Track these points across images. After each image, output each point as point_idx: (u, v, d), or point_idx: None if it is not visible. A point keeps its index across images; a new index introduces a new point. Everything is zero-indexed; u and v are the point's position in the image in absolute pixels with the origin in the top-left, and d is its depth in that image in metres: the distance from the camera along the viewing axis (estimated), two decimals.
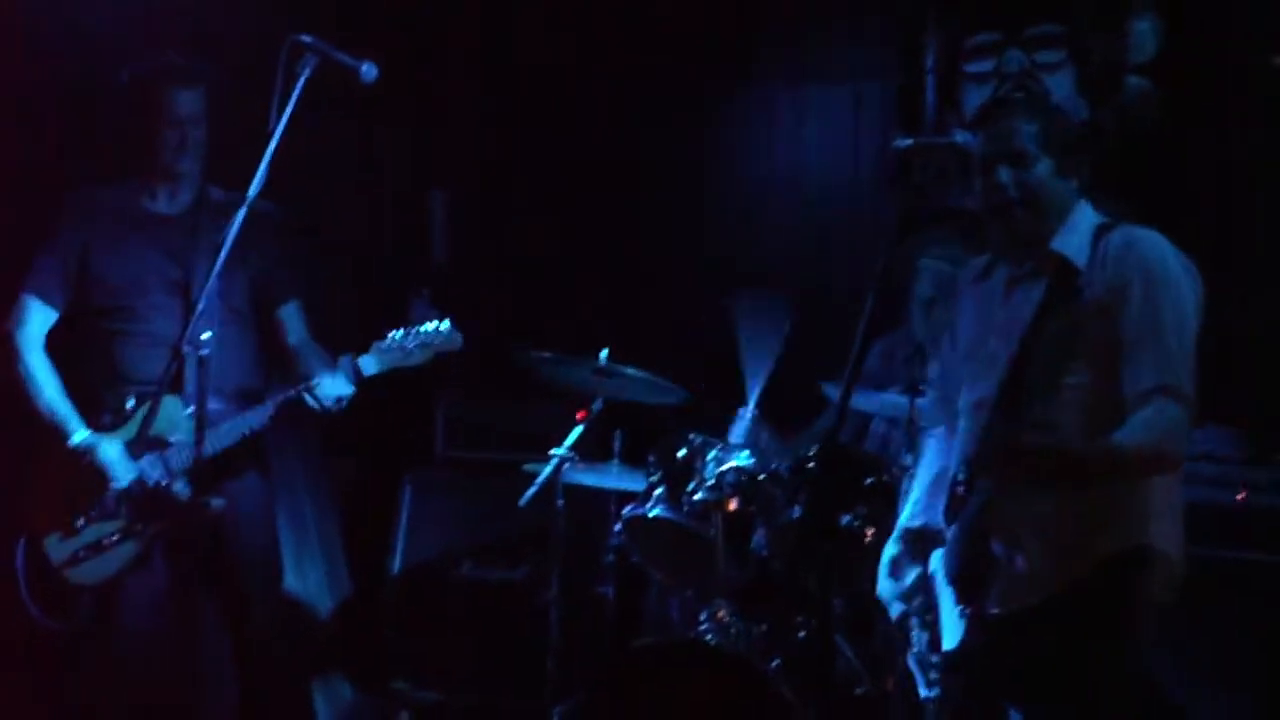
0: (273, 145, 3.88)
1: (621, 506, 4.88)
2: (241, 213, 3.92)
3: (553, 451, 4.84)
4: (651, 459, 4.75)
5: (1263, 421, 4.82)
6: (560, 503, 4.91)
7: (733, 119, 6.47)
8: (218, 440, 4.17)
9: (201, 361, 3.94)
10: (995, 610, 3.34)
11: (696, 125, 6.48)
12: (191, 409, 4.14)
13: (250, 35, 4.24)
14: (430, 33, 6.46)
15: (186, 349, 3.94)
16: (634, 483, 4.91)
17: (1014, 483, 3.27)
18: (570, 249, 6.50)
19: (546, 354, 4.88)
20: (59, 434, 4.22)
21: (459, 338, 4.33)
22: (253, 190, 3.92)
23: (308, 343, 4.48)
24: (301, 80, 3.88)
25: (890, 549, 3.74)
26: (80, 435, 4.21)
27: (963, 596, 3.39)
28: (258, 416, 4.25)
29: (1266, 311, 5.18)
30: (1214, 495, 4.54)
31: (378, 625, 5.84)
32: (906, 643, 3.77)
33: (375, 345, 4.28)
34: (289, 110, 3.87)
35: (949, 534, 3.44)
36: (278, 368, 4.50)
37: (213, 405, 4.15)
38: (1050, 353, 3.32)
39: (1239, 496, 4.51)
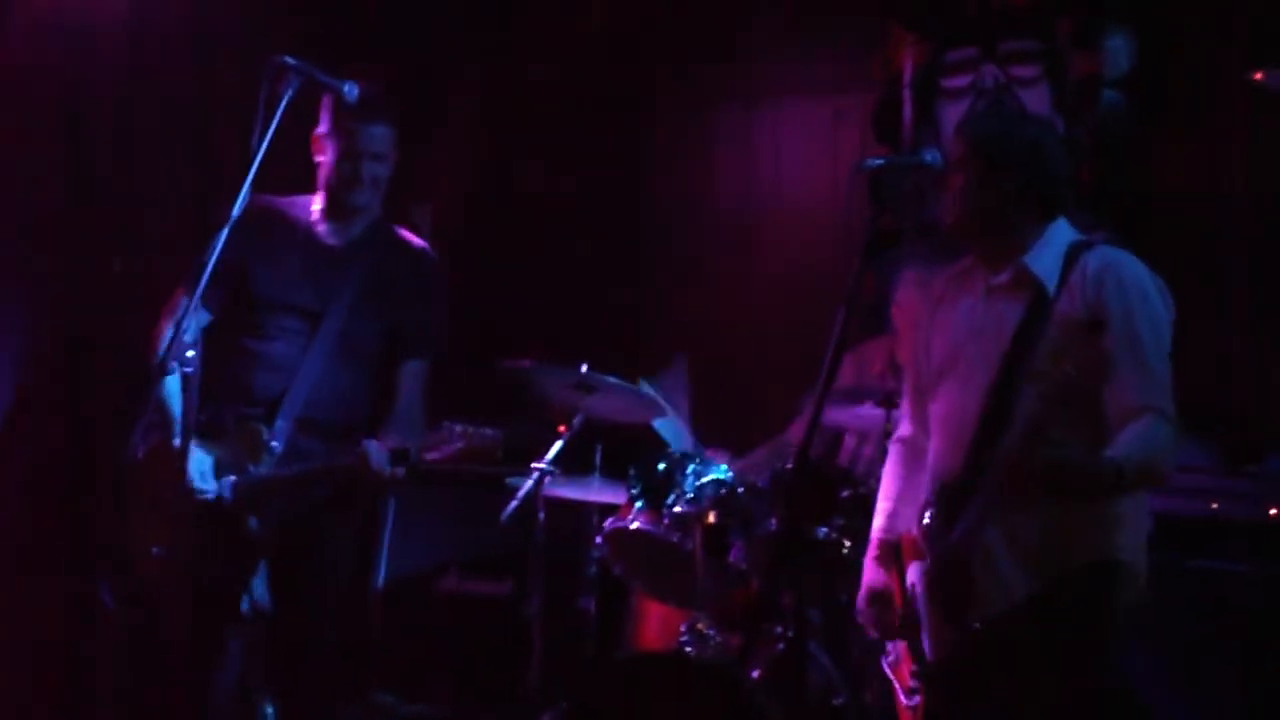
0: (255, 165, 3.88)
1: (603, 519, 4.92)
2: (224, 233, 3.90)
3: (534, 465, 4.86)
4: (632, 472, 4.79)
5: (1235, 433, 4.87)
6: (542, 516, 4.93)
7: (713, 133, 6.52)
8: (270, 482, 4.11)
9: (186, 380, 3.92)
10: (975, 624, 3.38)
11: (677, 140, 6.53)
12: (276, 442, 4.13)
13: (249, 50, 4.25)
14: (420, 47, 6.49)
15: (171, 365, 3.91)
16: (615, 495, 4.95)
17: (1019, 495, 3.30)
18: (552, 263, 6.54)
19: (527, 363, 4.91)
20: (168, 432, 4.15)
21: (499, 450, 4.12)
22: (236, 209, 3.89)
23: (414, 413, 4.31)
24: (284, 100, 3.88)
25: (870, 573, 3.73)
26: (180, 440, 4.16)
27: (948, 614, 3.43)
28: (303, 473, 4.15)
29: (1240, 324, 5.24)
30: (1188, 506, 4.58)
31: (362, 639, 5.86)
32: (882, 649, 3.79)
33: (431, 434, 4.10)
34: (271, 130, 3.88)
35: (933, 553, 3.48)
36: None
37: (302, 439, 4.15)
38: (1031, 372, 3.34)
39: (1211, 506, 4.56)
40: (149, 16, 5.54)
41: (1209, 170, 5.38)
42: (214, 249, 4.03)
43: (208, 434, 4.18)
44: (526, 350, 5.01)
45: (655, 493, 4.71)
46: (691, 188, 6.51)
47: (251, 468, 4.13)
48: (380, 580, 5.90)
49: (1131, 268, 3.43)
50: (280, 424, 4.16)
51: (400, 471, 4.13)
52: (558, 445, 4.88)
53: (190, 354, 3.86)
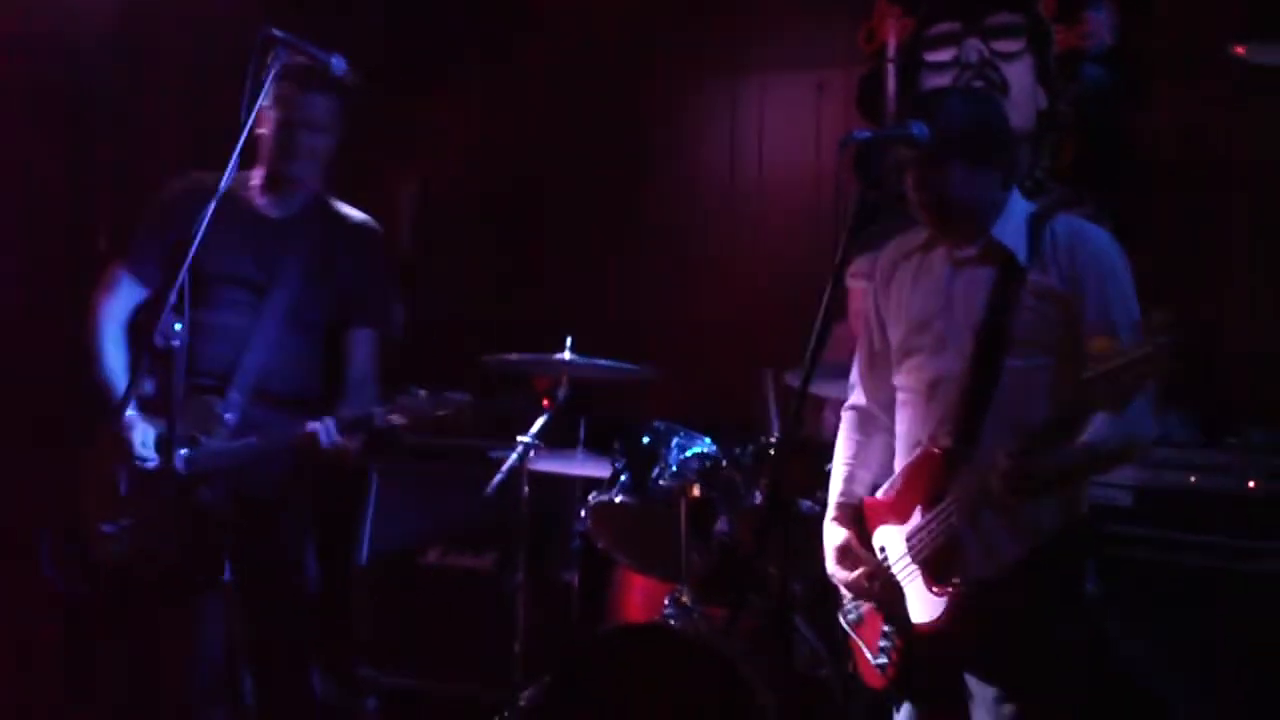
0: (243, 136, 3.88)
1: (587, 493, 4.92)
2: (211, 206, 3.89)
3: (519, 439, 4.88)
4: (616, 446, 4.81)
5: (1215, 405, 4.90)
6: (526, 490, 4.94)
7: (696, 106, 6.52)
8: (222, 455, 4.14)
9: (172, 353, 3.93)
10: (961, 585, 3.42)
11: (660, 113, 6.53)
12: (230, 414, 4.14)
13: (242, 29, 4.24)
14: (404, 23, 6.49)
15: (158, 339, 3.92)
16: (599, 469, 4.96)
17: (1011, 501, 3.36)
18: (535, 237, 6.55)
19: (513, 356, 4.93)
20: (109, 407, 4.17)
21: (470, 415, 4.17)
22: (224, 182, 3.89)
23: (365, 380, 4.34)
24: (272, 72, 3.88)
25: (834, 533, 3.77)
26: (127, 412, 4.15)
27: (933, 577, 3.46)
28: (254, 447, 4.16)
29: (1220, 295, 5.27)
30: (1168, 479, 4.61)
31: (345, 612, 5.87)
32: (840, 607, 3.83)
33: (397, 399, 4.13)
34: (260, 103, 3.88)
35: (919, 516, 3.51)
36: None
37: (256, 409, 4.16)
38: (1012, 339, 3.43)
39: (1190, 479, 4.59)
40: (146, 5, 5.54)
41: (1192, 144, 5.39)
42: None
43: (156, 407, 4.19)
44: (505, 326, 5.01)
45: (639, 466, 4.72)
46: (676, 161, 6.52)
47: (204, 439, 4.14)
48: (363, 554, 5.91)
49: (1099, 238, 3.50)
50: (233, 395, 4.18)
51: (356, 442, 4.15)
52: (542, 419, 4.90)
53: (178, 327, 3.88)
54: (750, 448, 4.63)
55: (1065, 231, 3.49)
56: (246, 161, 4.32)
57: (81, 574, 4.18)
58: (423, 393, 4.12)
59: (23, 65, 5.31)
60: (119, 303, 4.31)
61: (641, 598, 5.11)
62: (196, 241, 3.87)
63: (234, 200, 4.29)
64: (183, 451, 4.11)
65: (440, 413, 4.11)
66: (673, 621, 4.60)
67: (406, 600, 5.81)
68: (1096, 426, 3.27)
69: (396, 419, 4.11)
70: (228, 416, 4.16)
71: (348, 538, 5.91)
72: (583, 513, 4.88)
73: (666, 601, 4.67)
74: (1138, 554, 4.53)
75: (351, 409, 4.16)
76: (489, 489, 4.91)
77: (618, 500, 4.73)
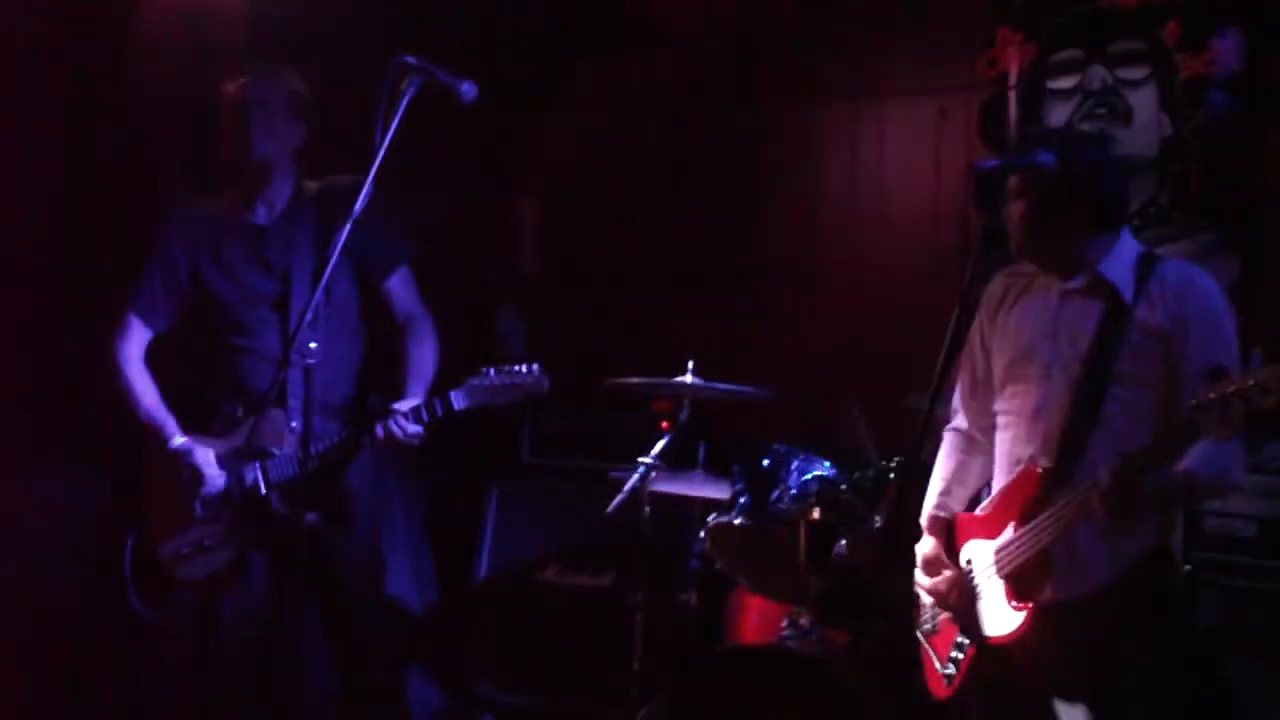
0: (378, 162, 3.96)
1: (706, 514, 4.95)
2: (345, 230, 3.98)
3: (639, 460, 4.93)
4: (736, 468, 4.84)
5: None
6: (646, 510, 4.99)
7: (818, 132, 6.53)
8: (316, 457, 4.25)
9: (307, 372, 4.04)
10: (1047, 602, 3.50)
11: (781, 139, 6.55)
12: (295, 423, 4.24)
13: (360, 53, 4.34)
14: (526, 47, 6.57)
15: (294, 358, 4.03)
16: (718, 491, 4.99)
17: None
18: (657, 262, 6.59)
19: (635, 379, 4.99)
20: (162, 439, 4.37)
21: (546, 382, 4.30)
22: (359, 206, 3.98)
23: (415, 315, 4.52)
24: (406, 99, 3.94)
25: (923, 542, 3.86)
26: (178, 440, 4.35)
27: (1015, 591, 3.53)
28: (325, 454, 4.29)
29: None
30: None
31: (464, 629, 5.95)
32: (918, 617, 3.88)
33: (469, 382, 4.28)
34: (394, 128, 3.96)
35: (1011, 531, 3.57)
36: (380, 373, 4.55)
37: (319, 420, 4.25)
38: (1117, 371, 3.51)
39: None
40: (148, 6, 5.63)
41: None
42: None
43: (216, 430, 4.37)
44: (631, 349, 5.06)
45: (759, 488, 4.75)
46: (796, 185, 6.52)
47: (276, 450, 4.28)
48: (482, 572, 5.99)
49: (1209, 285, 3.58)
50: (292, 404, 4.29)
51: (419, 430, 4.28)
52: (663, 441, 4.96)
53: (313, 345, 3.99)
54: (871, 471, 4.65)
55: (1175, 276, 3.57)
56: (216, 189, 4.52)
57: (163, 599, 4.33)
58: (492, 371, 4.25)
59: (22, 65, 5.40)
60: (133, 344, 4.49)
61: (758, 619, 5.13)
62: (332, 262, 3.98)
63: (222, 224, 4.46)
64: (256, 465, 4.26)
65: (512, 386, 4.25)
66: (791, 643, 4.62)
67: (525, 617, 5.87)
68: (1194, 456, 3.31)
69: (461, 401, 4.26)
70: (294, 426, 4.27)
71: (467, 556, 5.99)
72: (702, 534, 4.91)
73: (784, 623, 4.69)
74: (1262, 585, 4.48)
75: (409, 400, 4.31)
76: (610, 509, 4.97)
77: (737, 522, 4.76)
